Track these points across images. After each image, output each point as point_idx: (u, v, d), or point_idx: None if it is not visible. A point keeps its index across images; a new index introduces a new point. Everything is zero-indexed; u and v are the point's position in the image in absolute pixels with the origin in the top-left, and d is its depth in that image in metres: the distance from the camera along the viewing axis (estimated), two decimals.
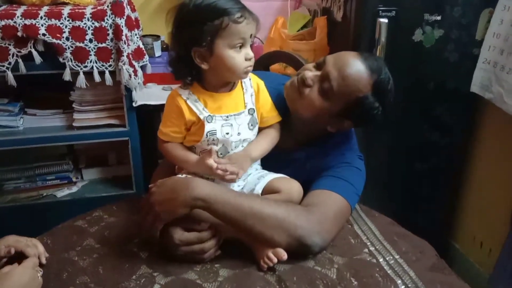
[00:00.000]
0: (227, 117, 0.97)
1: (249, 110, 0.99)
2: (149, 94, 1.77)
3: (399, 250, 0.95)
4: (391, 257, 0.92)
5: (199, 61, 0.92)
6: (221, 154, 0.98)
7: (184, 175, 0.98)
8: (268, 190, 0.98)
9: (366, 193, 1.73)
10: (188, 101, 0.96)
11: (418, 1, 1.57)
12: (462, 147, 1.87)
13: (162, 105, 1.69)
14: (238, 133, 0.97)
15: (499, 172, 1.76)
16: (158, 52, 1.99)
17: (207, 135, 0.95)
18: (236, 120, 0.97)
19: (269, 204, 0.92)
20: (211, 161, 0.91)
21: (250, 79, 1.02)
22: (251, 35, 0.91)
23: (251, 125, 1.00)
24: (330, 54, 1.80)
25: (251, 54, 0.92)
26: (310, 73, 0.99)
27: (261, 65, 1.67)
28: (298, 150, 1.08)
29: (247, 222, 0.89)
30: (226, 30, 0.88)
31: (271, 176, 1.01)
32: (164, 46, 2.08)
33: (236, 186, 0.99)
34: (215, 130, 0.95)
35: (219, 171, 0.90)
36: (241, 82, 1.01)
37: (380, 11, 1.54)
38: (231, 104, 0.98)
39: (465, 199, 1.98)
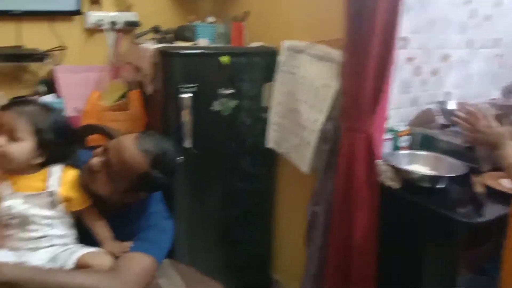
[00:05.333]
0: (26, 196, 1.07)
1: (49, 192, 1.10)
2: None
3: None
4: None
5: None
6: (22, 225, 1.05)
7: None
8: (80, 265, 1.07)
9: (192, 243, 1.96)
10: None
11: (213, 78, 1.89)
12: (267, 191, 2.23)
13: None
14: (37, 210, 1.07)
15: (296, 208, 2.14)
16: None
17: (4, 210, 1.04)
18: (35, 199, 1.08)
19: (76, 275, 1.02)
20: None
21: (61, 166, 1.13)
22: (1, 125, 1.03)
23: (51, 205, 1.10)
24: (147, 122, 2.06)
25: None
26: (96, 159, 1.13)
27: (78, 137, 1.78)
28: (110, 220, 1.21)
29: None
30: None
31: (82, 251, 1.10)
32: None
33: (46, 262, 1.07)
34: (13, 206, 1.04)
35: None
36: (49, 168, 1.12)
37: (182, 88, 1.82)
38: (32, 185, 1.09)
39: (277, 236, 2.34)
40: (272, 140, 2.06)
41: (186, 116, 1.84)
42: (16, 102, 1.12)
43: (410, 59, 1.93)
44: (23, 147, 1.05)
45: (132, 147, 1.11)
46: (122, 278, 1.07)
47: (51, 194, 1.10)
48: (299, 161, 1.86)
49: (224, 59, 1.83)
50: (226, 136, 2.01)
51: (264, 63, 1.97)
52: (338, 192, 1.67)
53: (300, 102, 1.82)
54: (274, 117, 2.03)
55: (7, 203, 1.04)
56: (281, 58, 1.94)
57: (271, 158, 2.17)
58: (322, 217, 1.79)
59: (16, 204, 1.05)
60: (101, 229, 1.16)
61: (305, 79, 1.80)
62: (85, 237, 1.16)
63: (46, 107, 1.12)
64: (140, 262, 1.14)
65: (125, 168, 1.11)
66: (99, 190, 1.14)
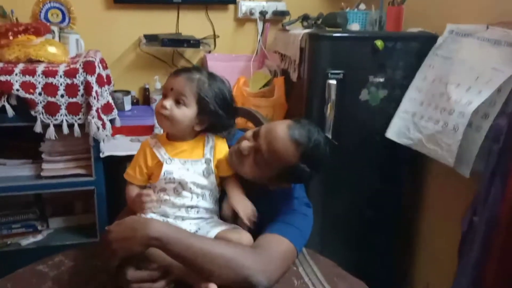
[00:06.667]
0: (184, 162, 1.10)
1: (205, 160, 1.12)
2: (117, 145, 1.86)
3: None
4: None
5: None
6: (177, 191, 1.08)
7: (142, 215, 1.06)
8: (220, 239, 1.05)
9: (322, 241, 1.85)
10: (153, 148, 1.11)
11: (363, 65, 1.75)
12: (409, 195, 2.00)
13: (129, 156, 1.80)
14: (193, 177, 1.09)
15: (446, 216, 1.89)
16: (128, 106, 2.11)
17: (164, 173, 1.08)
18: (193, 166, 1.10)
19: (219, 245, 1.00)
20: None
21: (213, 136, 1.16)
22: (172, 88, 1.07)
23: (206, 172, 1.11)
24: (288, 110, 2.01)
25: (164, 104, 1.06)
26: (246, 144, 1.10)
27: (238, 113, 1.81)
28: (252, 198, 1.18)
29: (197, 261, 0.96)
30: None
31: (223, 226, 1.09)
32: (134, 101, 2.21)
33: (188, 229, 1.08)
34: (172, 171, 1.08)
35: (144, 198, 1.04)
36: (205, 136, 1.15)
37: (329, 74, 1.72)
38: (190, 152, 1.12)
39: (417, 246, 2.10)
40: (395, 129, 1.80)
41: (330, 104, 1.74)
42: (187, 69, 1.13)
43: None
44: (186, 113, 1.07)
45: (284, 137, 1.06)
46: (264, 257, 1.01)
47: (207, 161, 1.11)
48: (438, 153, 1.60)
49: (379, 43, 1.68)
50: (371, 128, 1.84)
51: (423, 50, 1.76)
52: (508, 202, 1.40)
53: (450, 86, 1.57)
54: (407, 104, 1.78)
55: (167, 167, 1.08)
56: (439, 41, 1.71)
57: (419, 158, 1.94)
58: (482, 229, 1.52)
59: (175, 169, 1.08)
60: (238, 193, 1.12)
61: (465, 62, 1.56)
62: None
63: (214, 77, 1.12)
64: (281, 244, 1.07)
65: (274, 158, 1.06)
66: (244, 174, 1.12)
